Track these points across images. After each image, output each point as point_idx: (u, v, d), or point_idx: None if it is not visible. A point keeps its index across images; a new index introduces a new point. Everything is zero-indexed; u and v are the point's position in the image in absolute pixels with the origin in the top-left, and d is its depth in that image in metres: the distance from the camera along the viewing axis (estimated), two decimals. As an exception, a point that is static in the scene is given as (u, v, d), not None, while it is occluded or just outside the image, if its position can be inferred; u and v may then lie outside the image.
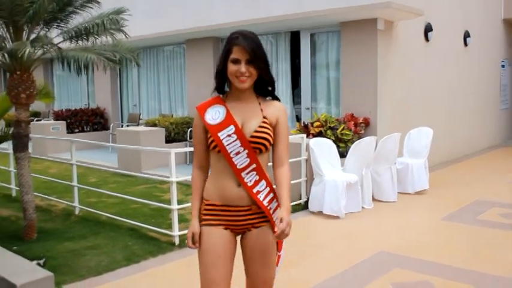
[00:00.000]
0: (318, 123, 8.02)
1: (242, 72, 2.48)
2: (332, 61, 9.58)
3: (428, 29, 10.09)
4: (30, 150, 5.97)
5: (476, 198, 7.87)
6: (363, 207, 7.21)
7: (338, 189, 6.74)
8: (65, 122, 13.73)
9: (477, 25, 12.46)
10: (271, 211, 2.58)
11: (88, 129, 14.34)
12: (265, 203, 2.56)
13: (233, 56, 2.50)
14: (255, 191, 2.55)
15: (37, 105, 14.42)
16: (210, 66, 11.09)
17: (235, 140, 2.52)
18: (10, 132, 6.04)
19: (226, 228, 2.59)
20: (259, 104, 2.63)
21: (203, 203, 2.65)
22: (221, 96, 2.66)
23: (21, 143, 5.71)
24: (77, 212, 7.06)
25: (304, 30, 9.81)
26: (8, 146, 8.04)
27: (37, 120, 14.61)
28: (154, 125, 10.97)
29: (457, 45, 11.66)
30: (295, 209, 7.19)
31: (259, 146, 2.54)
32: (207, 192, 2.64)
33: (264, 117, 2.58)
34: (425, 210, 7.33)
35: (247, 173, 2.54)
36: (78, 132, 14.08)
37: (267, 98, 2.67)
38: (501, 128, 14.46)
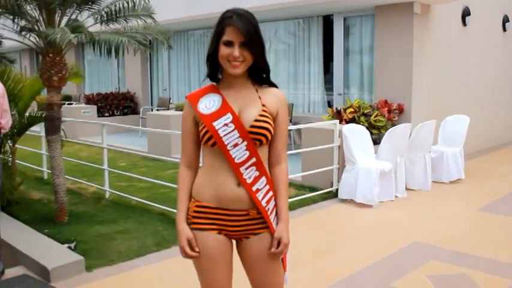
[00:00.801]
0: (351, 109, 7.85)
1: (235, 57, 2.19)
2: (366, 46, 9.36)
3: (466, 13, 9.75)
4: (61, 133, 5.97)
5: (514, 188, 7.63)
6: (396, 196, 7.04)
7: (372, 177, 6.58)
8: (95, 106, 13.83)
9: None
10: (268, 212, 2.30)
11: (118, 113, 14.43)
12: (263, 203, 2.29)
13: (226, 37, 2.20)
14: (254, 189, 2.28)
15: (68, 89, 14.60)
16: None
17: (232, 130, 2.24)
18: (42, 115, 6.05)
19: (219, 233, 2.32)
20: (256, 91, 2.34)
21: (191, 203, 2.35)
22: (216, 84, 2.38)
23: (53, 125, 5.70)
24: (107, 196, 7.07)
25: (338, 14, 9.59)
26: (40, 129, 8.09)
27: (68, 104, 14.74)
28: (184, 109, 10.92)
29: (495, 30, 11.27)
30: (326, 197, 7.05)
31: (259, 137, 2.26)
32: (197, 192, 2.34)
33: (264, 106, 2.30)
34: (460, 200, 7.11)
35: (247, 168, 2.27)
36: (108, 116, 14.17)
37: (263, 86, 2.39)
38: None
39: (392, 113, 8.23)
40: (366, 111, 7.88)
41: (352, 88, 9.66)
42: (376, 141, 7.51)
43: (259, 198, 2.30)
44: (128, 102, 14.54)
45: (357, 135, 7.00)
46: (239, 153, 2.25)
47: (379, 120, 7.83)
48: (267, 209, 2.32)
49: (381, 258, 4.87)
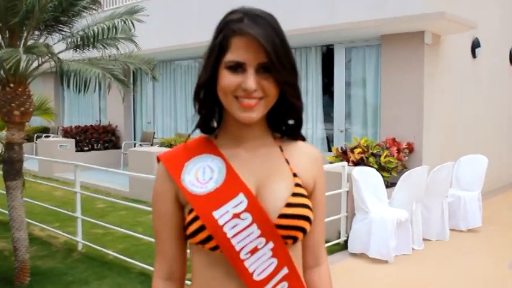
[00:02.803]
0: (359, 149, 6.98)
1: (249, 90, 1.26)
2: (369, 79, 8.58)
3: (476, 44, 9.06)
4: (36, 169, 5.02)
5: (540, 238, 6.79)
6: (413, 249, 6.16)
7: (387, 229, 5.70)
8: (73, 139, 12.81)
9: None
10: None
11: (99, 147, 13.44)
12: None
13: (232, 56, 1.27)
14: None
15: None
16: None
17: (249, 225, 1.28)
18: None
19: None
20: (281, 149, 1.42)
21: None
22: (210, 137, 1.42)
23: (13, 169, 4.76)
24: (79, 248, 6.09)
25: (339, 44, 8.84)
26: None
27: (45, 137, 13.76)
28: (170, 145, 10.00)
29: (502, 63, 10.62)
30: (333, 249, 6.14)
31: (294, 232, 1.32)
32: None
33: (296, 176, 1.37)
34: (486, 254, 6.23)
35: (274, 287, 1.32)
36: (87, 150, 13.18)
37: (284, 137, 1.46)
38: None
39: (402, 153, 7.40)
40: (374, 151, 7.03)
41: (354, 124, 8.85)
42: (386, 185, 6.66)
43: None
44: (108, 136, 13.56)
45: (368, 179, 6.14)
46: (260, 263, 1.29)
47: (389, 161, 6.98)
48: None
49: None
